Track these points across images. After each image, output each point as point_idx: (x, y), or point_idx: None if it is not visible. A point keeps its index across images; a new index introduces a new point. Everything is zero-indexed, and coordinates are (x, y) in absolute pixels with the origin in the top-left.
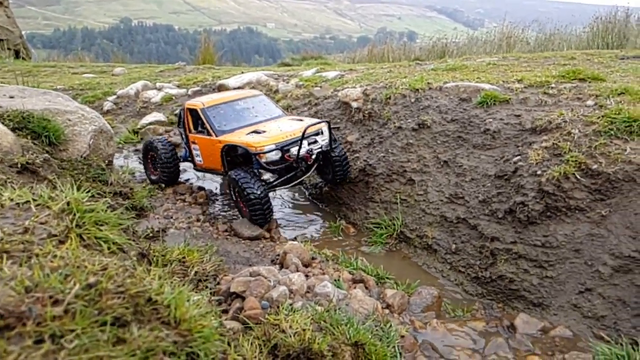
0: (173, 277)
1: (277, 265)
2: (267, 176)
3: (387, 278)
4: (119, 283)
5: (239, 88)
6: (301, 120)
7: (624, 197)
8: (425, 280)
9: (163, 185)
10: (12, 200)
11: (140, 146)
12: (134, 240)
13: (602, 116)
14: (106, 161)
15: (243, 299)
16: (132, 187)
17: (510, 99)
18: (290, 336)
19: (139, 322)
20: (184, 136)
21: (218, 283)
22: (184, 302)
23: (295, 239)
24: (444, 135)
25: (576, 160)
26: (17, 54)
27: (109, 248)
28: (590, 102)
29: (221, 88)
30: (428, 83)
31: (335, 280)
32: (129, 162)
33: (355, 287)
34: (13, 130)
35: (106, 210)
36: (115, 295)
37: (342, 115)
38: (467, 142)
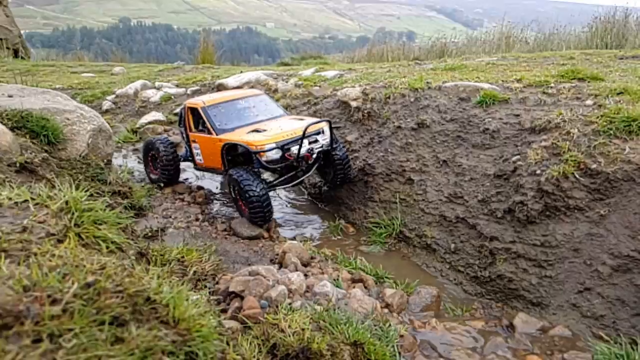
0: (172, 277)
1: (276, 265)
2: (267, 175)
3: (386, 277)
4: (117, 282)
5: (238, 87)
6: (302, 119)
7: (623, 196)
8: (424, 279)
9: (162, 185)
10: (10, 199)
11: (139, 145)
12: (132, 240)
13: (601, 116)
14: (105, 160)
15: (242, 298)
16: (130, 186)
17: (509, 98)
18: (289, 335)
19: (137, 322)
20: (184, 135)
21: (217, 282)
22: (182, 301)
23: (294, 238)
24: (443, 134)
25: (575, 160)
26: (16, 53)
27: (107, 247)
28: (589, 102)
29: (220, 87)
30: (427, 82)
31: (334, 279)
32: (128, 162)
33: (354, 287)
34: (12, 129)
35: (105, 210)
36: (114, 294)
37: (341, 115)
38: (466, 142)
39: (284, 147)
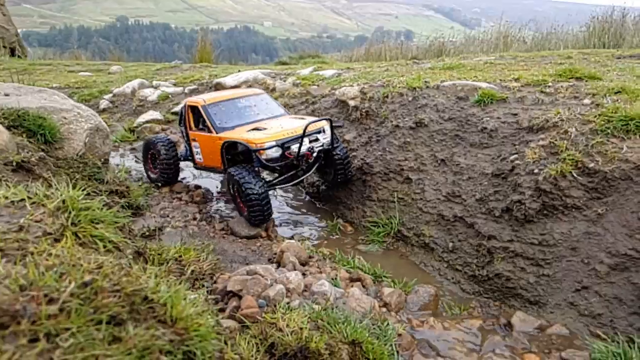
0: (169, 276)
1: (274, 264)
2: (266, 174)
3: (385, 276)
4: (114, 281)
5: (235, 86)
6: (303, 118)
7: (621, 195)
8: (422, 278)
9: (160, 185)
10: (7, 198)
11: (136, 145)
12: (130, 239)
13: (599, 115)
14: (102, 160)
15: (240, 297)
16: (128, 185)
17: (507, 97)
18: (288, 335)
19: (135, 321)
20: (184, 134)
21: (215, 282)
22: (180, 300)
23: (292, 237)
24: (441, 133)
25: (573, 159)
26: (12, 52)
27: (104, 246)
28: (587, 101)
29: (218, 86)
30: (425, 82)
31: (332, 278)
32: (125, 161)
33: (352, 286)
34: (8, 128)
35: (102, 209)
36: (111, 293)
37: (339, 114)
38: (464, 141)
39: (284, 146)
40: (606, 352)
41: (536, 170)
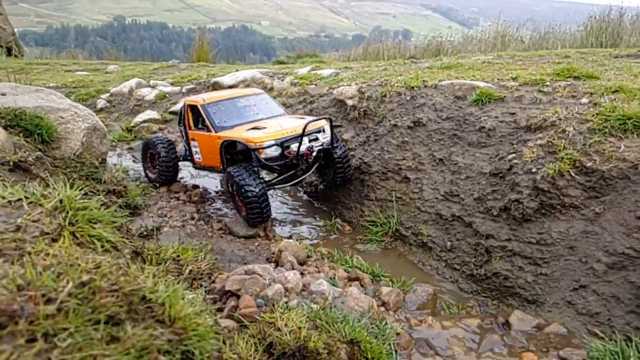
0: (167, 276)
1: (272, 264)
2: (265, 173)
3: (383, 276)
4: (112, 281)
5: (233, 86)
6: (303, 118)
7: (618, 194)
8: (420, 277)
9: (157, 185)
10: (4, 198)
11: (134, 144)
12: (127, 239)
13: (597, 114)
14: (99, 159)
15: (238, 297)
16: (125, 185)
17: (505, 96)
18: (286, 334)
19: (133, 321)
20: (184, 134)
21: (213, 281)
22: (178, 300)
23: (290, 237)
24: (439, 133)
25: (571, 158)
26: (9, 52)
27: (102, 246)
28: (584, 100)
29: (216, 86)
30: (423, 81)
31: (330, 278)
32: (123, 160)
33: (350, 285)
34: (5, 127)
35: (99, 209)
36: (109, 293)
37: (337, 113)
38: (462, 140)
39: (283, 145)
40: (604, 351)
41: (534, 170)
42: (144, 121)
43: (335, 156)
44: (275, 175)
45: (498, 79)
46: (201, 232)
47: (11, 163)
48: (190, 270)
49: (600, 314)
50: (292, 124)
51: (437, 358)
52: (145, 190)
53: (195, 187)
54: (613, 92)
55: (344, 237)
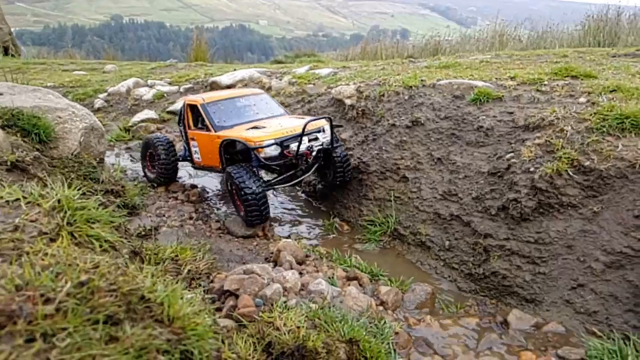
0: (166, 276)
1: (270, 263)
2: (264, 173)
3: (381, 275)
4: (111, 281)
5: (231, 85)
6: (303, 118)
7: (616, 193)
8: (419, 277)
9: (155, 185)
10: (1, 198)
11: (132, 144)
12: (126, 238)
13: (595, 113)
14: (97, 159)
15: (237, 297)
16: (123, 185)
17: (503, 96)
18: (285, 334)
19: (131, 320)
20: (183, 134)
21: (211, 281)
22: (177, 300)
23: (289, 236)
24: (438, 132)
25: (569, 157)
26: (6, 51)
27: (100, 246)
28: (582, 99)
29: (214, 85)
30: (421, 80)
31: (329, 277)
32: (121, 160)
33: (349, 285)
34: (2, 127)
35: (97, 208)
36: (108, 293)
37: (335, 113)
38: (460, 140)
39: (283, 144)
40: (602, 350)
41: (532, 169)
42: (142, 121)
43: (335, 157)
44: (275, 175)
45: (496, 79)
46: (199, 231)
47: (9, 163)
48: (189, 270)
49: (598, 312)
50: (292, 124)
51: (435, 357)
52: (143, 190)
53: (194, 186)
54: (611, 91)
55: (343, 236)
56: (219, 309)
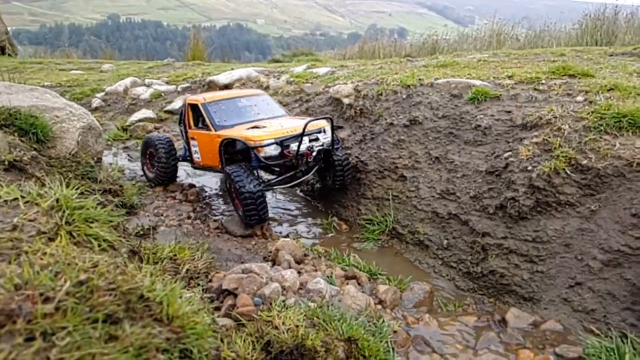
0: (164, 275)
1: (269, 262)
2: (263, 173)
3: (380, 274)
4: (110, 280)
5: (229, 84)
6: (303, 119)
7: (613, 192)
8: (417, 275)
9: (154, 184)
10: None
11: (129, 143)
12: (124, 238)
13: (592, 112)
14: (95, 158)
15: (235, 296)
16: (121, 184)
17: (501, 95)
18: (283, 332)
19: (131, 319)
20: (183, 133)
21: (210, 280)
22: (176, 299)
23: (287, 236)
24: (436, 131)
25: (566, 156)
26: (2, 51)
27: (99, 245)
28: (580, 98)
29: (211, 84)
30: (419, 79)
31: (327, 276)
32: (119, 160)
33: (347, 284)
34: (0, 127)
35: (96, 208)
36: (107, 292)
37: (333, 112)
38: (458, 138)
39: (283, 144)
40: (599, 348)
41: (530, 168)
42: (140, 120)
43: (335, 158)
44: (275, 175)
45: (494, 77)
46: (198, 231)
47: (6, 162)
48: (187, 269)
49: (595, 310)
50: (292, 124)
51: (434, 355)
52: (141, 189)
53: (192, 186)
54: (608, 90)
55: (341, 235)
56: (217, 308)
